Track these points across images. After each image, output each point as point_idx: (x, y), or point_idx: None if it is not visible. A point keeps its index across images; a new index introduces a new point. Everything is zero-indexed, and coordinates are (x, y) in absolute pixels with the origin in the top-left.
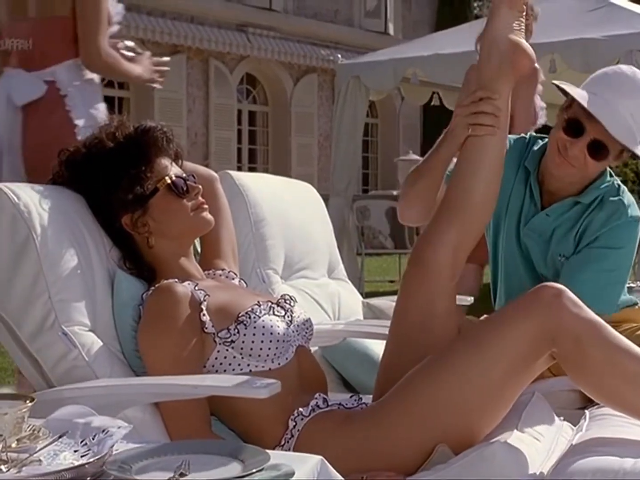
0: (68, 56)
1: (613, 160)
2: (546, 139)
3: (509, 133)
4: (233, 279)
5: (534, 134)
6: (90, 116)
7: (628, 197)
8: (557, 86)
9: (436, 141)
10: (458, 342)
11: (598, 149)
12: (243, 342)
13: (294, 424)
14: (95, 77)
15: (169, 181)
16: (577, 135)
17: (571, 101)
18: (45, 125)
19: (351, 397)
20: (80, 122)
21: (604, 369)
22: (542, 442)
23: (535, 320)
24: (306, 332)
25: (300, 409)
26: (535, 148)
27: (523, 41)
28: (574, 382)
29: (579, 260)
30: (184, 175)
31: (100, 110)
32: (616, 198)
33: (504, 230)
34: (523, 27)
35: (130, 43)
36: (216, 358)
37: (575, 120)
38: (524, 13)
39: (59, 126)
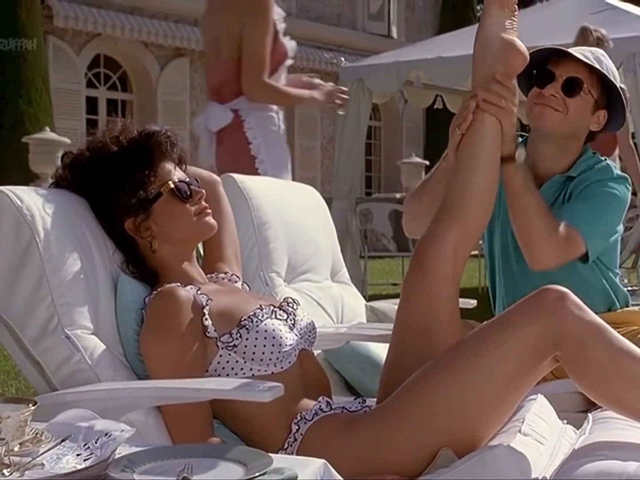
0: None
1: (592, 116)
2: (526, 135)
3: None
4: (236, 282)
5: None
6: (273, 155)
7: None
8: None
9: (439, 143)
10: (460, 345)
11: (572, 86)
12: (245, 346)
13: (297, 427)
14: (275, 117)
15: (172, 185)
16: (549, 82)
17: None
18: (229, 150)
19: (355, 399)
20: (255, 143)
21: (607, 372)
22: (545, 445)
23: (538, 323)
24: (309, 336)
25: (303, 413)
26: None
27: (516, 39)
28: (576, 385)
29: (575, 201)
30: (188, 179)
31: (283, 162)
32: (603, 164)
33: (498, 227)
34: (516, 26)
35: (314, 78)
36: (218, 362)
37: (542, 69)
38: (516, 12)
39: (239, 151)
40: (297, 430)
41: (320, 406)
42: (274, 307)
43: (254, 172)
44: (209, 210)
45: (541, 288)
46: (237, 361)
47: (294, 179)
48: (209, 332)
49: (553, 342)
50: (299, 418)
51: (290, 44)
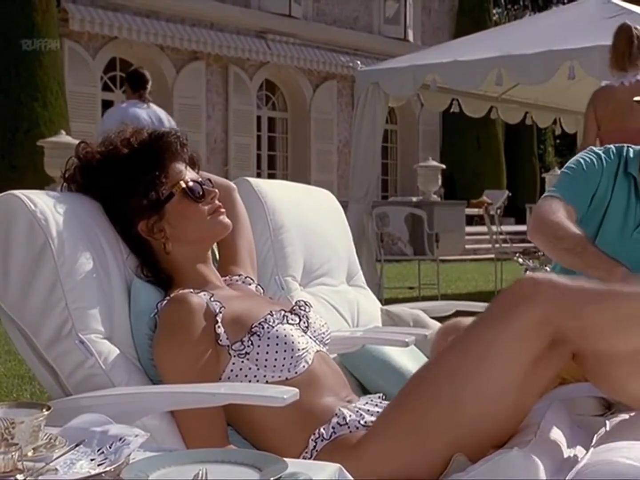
0: None
1: None
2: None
3: None
4: (250, 284)
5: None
6: None
7: None
8: None
9: (455, 147)
10: (458, 352)
11: None
12: (257, 353)
13: (314, 444)
14: None
15: (184, 186)
16: None
17: None
18: None
19: (375, 393)
20: None
21: (611, 324)
22: (560, 449)
23: (522, 315)
24: (323, 337)
25: (322, 431)
26: (631, 155)
27: None
28: (591, 379)
29: None
30: (200, 179)
31: None
32: None
33: (606, 241)
34: None
35: None
36: (231, 370)
37: None
38: None
39: None
40: (314, 447)
41: (337, 421)
42: (285, 311)
43: None
44: (222, 210)
45: (512, 284)
46: (250, 368)
47: (310, 183)
48: (221, 340)
49: (547, 331)
50: (317, 435)
51: None
